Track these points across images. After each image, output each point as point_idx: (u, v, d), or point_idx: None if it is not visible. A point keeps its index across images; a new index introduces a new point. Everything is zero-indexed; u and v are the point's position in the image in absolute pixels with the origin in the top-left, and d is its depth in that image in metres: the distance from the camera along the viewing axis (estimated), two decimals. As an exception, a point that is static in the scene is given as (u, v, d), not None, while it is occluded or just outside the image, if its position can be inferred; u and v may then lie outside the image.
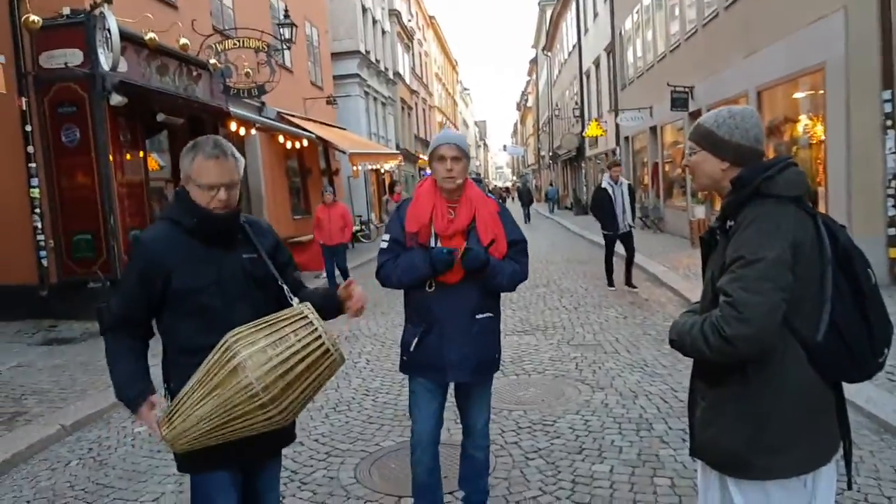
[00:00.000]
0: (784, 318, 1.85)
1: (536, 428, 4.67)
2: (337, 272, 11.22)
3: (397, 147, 29.45)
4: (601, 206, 9.99)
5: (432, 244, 2.97)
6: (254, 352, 2.00)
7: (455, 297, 2.97)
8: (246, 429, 2.08)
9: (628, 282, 10.13)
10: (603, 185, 9.99)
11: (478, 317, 3.01)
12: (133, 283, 2.28)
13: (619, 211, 9.81)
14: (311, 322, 2.08)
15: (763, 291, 1.81)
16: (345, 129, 21.61)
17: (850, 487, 2.10)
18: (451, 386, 3.20)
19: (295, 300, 2.34)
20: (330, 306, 2.47)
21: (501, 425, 4.72)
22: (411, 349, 3.06)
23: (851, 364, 1.92)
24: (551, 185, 45.87)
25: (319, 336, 2.06)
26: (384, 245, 3.07)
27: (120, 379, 2.28)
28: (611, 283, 10.24)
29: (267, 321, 2.12)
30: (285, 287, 2.39)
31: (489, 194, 3.32)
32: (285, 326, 2.07)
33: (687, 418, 1.96)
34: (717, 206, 10.70)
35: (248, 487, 2.47)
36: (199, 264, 2.27)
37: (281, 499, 3.78)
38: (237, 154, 2.34)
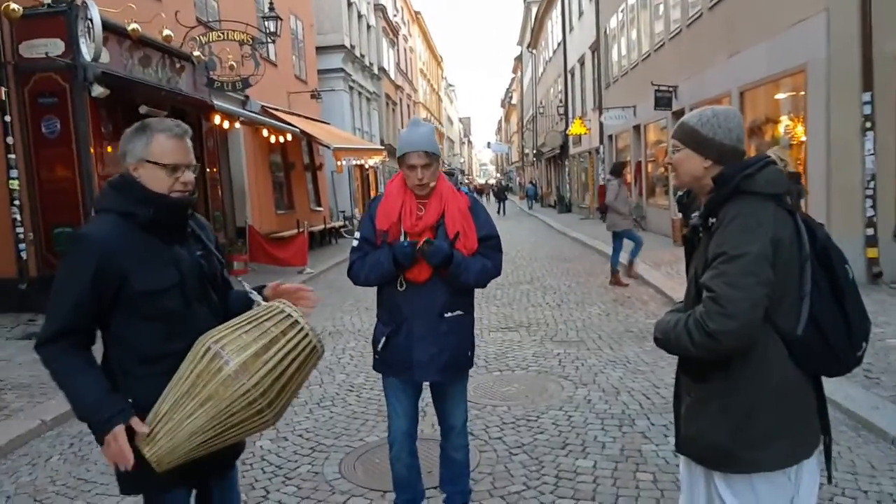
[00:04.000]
0: (765, 312, 1.89)
1: (520, 423, 4.70)
2: None
3: (381, 142, 29.39)
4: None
5: (402, 240, 2.93)
6: (247, 357, 1.90)
7: (424, 295, 2.95)
8: (238, 436, 2.00)
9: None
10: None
11: (446, 315, 2.98)
12: (83, 287, 1.96)
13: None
14: (296, 321, 2.01)
15: (746, 286, 1.85)
16: (329, 123, 21.53)
17: (830, 481, 2.14)
18: (427, 384, 3.20)
19: (256, 295, 2.23)
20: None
21: (486, 421, 4.74)
22: (379, 348, 3.06)
23: (831, 358, 1.96)
24: (531, 183, 46.23)
25: (307, 334, 2.02)
26: (355, 244, 3.06)
27: (87, 398, 1.95)
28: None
29: (247, 320, 2.01)
30: (245, 285, 2.29)
31: (461, 188, 3.29)
32: (271, 327, 1.98)
33: (669, 414, 2.01)
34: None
35: (206, 501, 2.32)
36: (159, 263, 2.05)
37: (265, 493, 3.79)
38: None
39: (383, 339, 3.03)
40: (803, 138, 9.44)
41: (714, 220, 1.99)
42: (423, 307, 2.96)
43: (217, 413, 1.88)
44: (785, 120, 10.43)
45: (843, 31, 8.24)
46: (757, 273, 1.86)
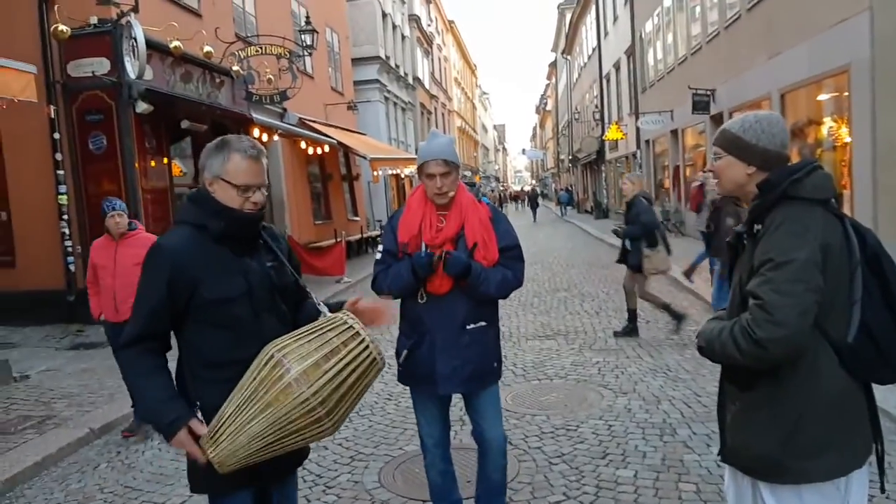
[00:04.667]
0: (815, 319, 1.85)
1: (559, 433, 4.66)
2: None
3: (416, 152, 29.42)
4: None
5: (419, 252, 2.94)
6: (308, 366, 1.95)
7: (445, 307, 2.95)
8: (297, 443, 2.04)
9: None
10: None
11: (468, 327, 2.97)
12: (158, 294, 2.07)
13: None
14: (357, 332, 2.05)
15: (794, 293, 1.81)
16: (365, 134, 21.74)
17: (882, 491, 2.07)
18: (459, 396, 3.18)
19: (324, 307, 2.28)
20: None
21: (525, 430, 4.72)
22: (401, 360, 3.06)
23: (883, 365, 1.91)
24: (565, 190, 46.16)
25: (367, 346, 2.05)
26: (378, 256, 3.08)
27: (152, 401, 2.09)
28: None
29: (309, 330, 2.05)
30: (313, 296, 2.34)
31: (482, 199, 3.28)
32: (333, 337, 2.02)
33: (711, 423, 1.96)
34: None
35: None
36: (229, 273, 2.13)
37: (306, 502, 3.83)
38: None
39: (405, 352, 3.04)
40: (847, 139, 9.21)
41: (759, 226, 1.96)
42: (444, 319, 2.96)
43: (276, 419, 1.94)
44: (828, 121, 10.19)
45: (888, 29, 8.03)
46: (806, 280, 1.82)
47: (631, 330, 7.40)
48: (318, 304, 2.31)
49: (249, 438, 1.94)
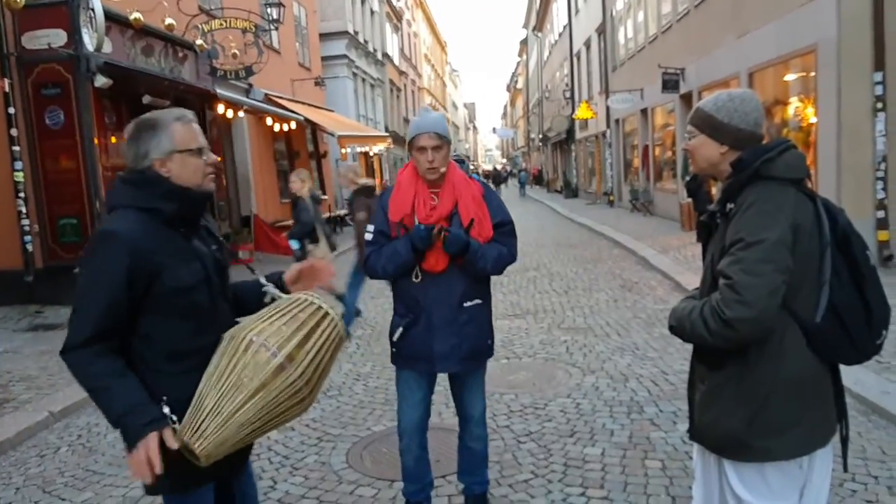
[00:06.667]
0: (783, 300, 1.85)
1: (528, 411, 4.67)
2: None
3: (386, 129, 29.27)
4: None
5: (417, 225, 2.90)
6: (292, 348, 1.95)
7: (442, 285, 2.92)
8: (278, 425, 2.04)
9: None
10: None
11: (465, 305, 2.96)
12: (117, 287, 1.90)
13: None
14: (326, 311, 2.06)
15: (763, 273, 1.81)
16: (333, 110, 21.45)
17: (845, 469, 2.10)
18: (444, 375, 3.17)
19: (273, 288, 2.23)
20: (260, 295, 2.26)
21: (493, 409, 4.71)
22: (394, 339, 3.03)
23: (850, 346, 1.92)
24: (522, 170, 48.06)
25: (337, 324, 2.07)
26: (369, 237, 3.01)
27: (120, 404, 1.89)
28: None
29: (279, 313, 2.03)
30: (261, 277, 2.28)
31: (472, 175, 3.25)
32: (306, 318, 2.02)
33: (678, 401, 1.96)
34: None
35: (225, 496, 2.27)
36: (185, 259, 2.03)
37: (273, 483, 3.78)
38: None
39: (400, 331, 3.00)
40: (813, 119, 9.32)
41: (732, 205, 1.95)
42: (441, 297, 2.93)
43: (266, 404, 1.93)
44: (795, 101, 10.30)
45: (854, 10, 8.11)
46: (775, 260, 1.81)
47: None
48: (265, 285, 2.26)
49: (239, 426, 1.91)
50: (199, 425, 1.91)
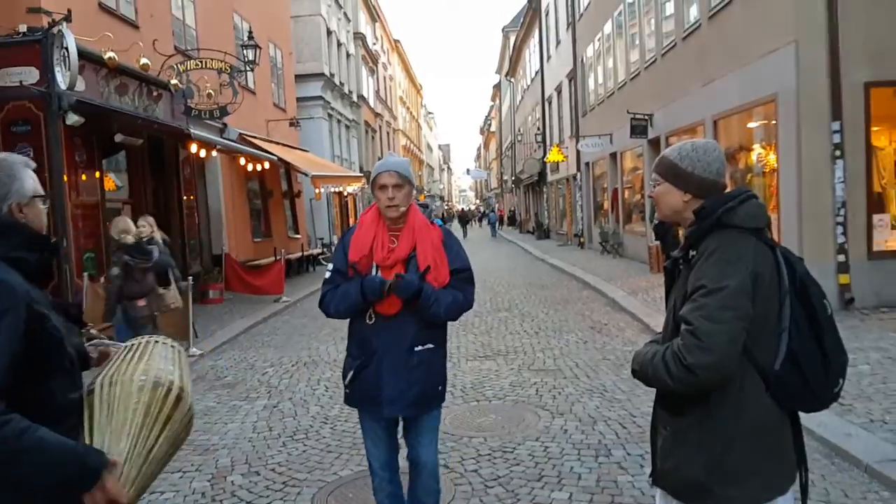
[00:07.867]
0: (743, 346, 1.88)
1: (496, 455, 4.64)
2: None
3: (361, 170, 29.42)
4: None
5: (373, 274, 2.91)
6: (183, 378, 2.04)
7: (394, 329, 2.91)
8: (175, 452, 2.10)
9: None
10: None
11: (417, 349, 2.93)
12: (15, 341, 1.66)
13: None
14: (164, 342, 2.16)
15: (724, 320, 1.84)
16: (308, 151, 21.53)
17: (805, 515, 2.12)
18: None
19: (113, 343, 2.27)
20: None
21: (462, 453, 4.68)
22: (346, 381, 3.02)
23: (808, 394, 1.96)
24: (492, 211, 49.33)
25: (179, 351, 2.19)
26: (327, 275, 3.04)
27: (66, 451, 1.69)
28: None
29: (135, 354, 2.03)
30: (89, 324, 2.26)
31: (434, 221, 3.28)
32: (164, 352, 2.10)
33: (645, 444, 1.99)
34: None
35: None
36: (49, 308, 1.83)
37: (235, 531, 3.69)
38: None
39: (351, 374, 3.00)
40: (775, 166, 9.59)
41: (694, 252, 2.00)
42: (393, 341, 2.91)
43: (172, 435, 1.97)
44: (758, 148, 10.60)
45: (812, 61, 8.42)
46: (736, 307, 1.85)
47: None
48: (90, 333, 2.31)
49: (157, 463, 1.94)
50: (127, 474, 1.83)
